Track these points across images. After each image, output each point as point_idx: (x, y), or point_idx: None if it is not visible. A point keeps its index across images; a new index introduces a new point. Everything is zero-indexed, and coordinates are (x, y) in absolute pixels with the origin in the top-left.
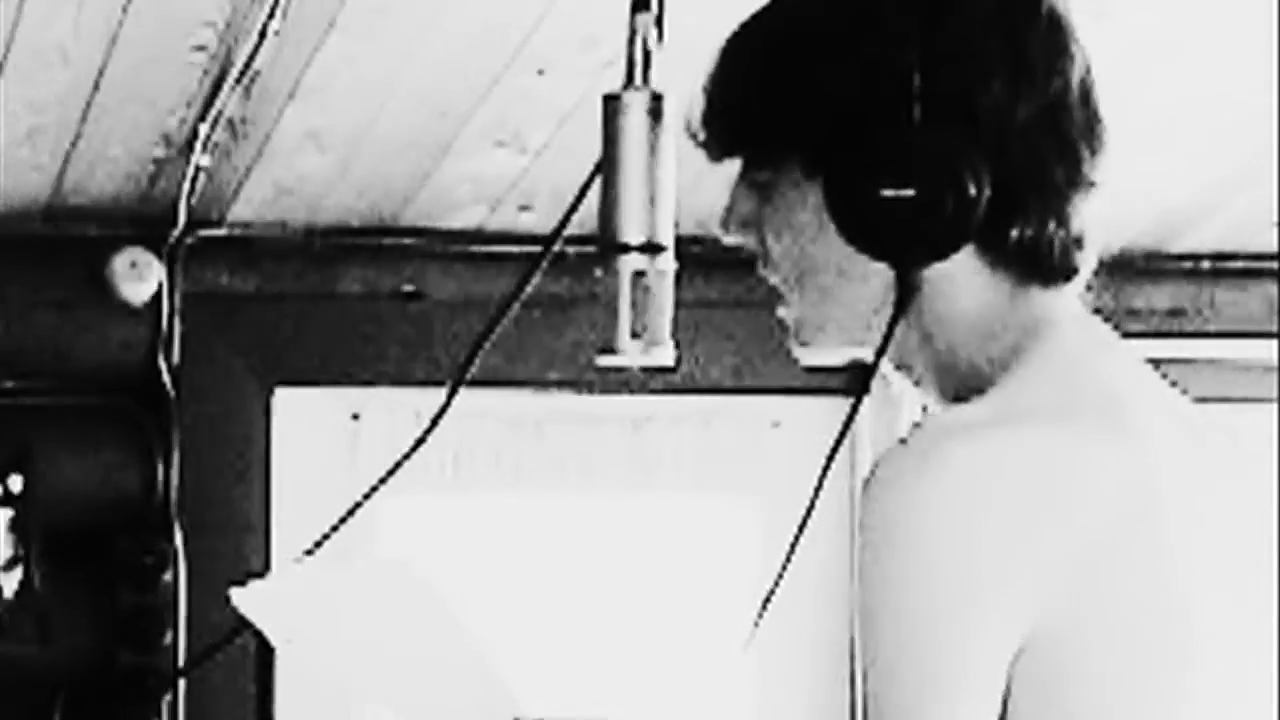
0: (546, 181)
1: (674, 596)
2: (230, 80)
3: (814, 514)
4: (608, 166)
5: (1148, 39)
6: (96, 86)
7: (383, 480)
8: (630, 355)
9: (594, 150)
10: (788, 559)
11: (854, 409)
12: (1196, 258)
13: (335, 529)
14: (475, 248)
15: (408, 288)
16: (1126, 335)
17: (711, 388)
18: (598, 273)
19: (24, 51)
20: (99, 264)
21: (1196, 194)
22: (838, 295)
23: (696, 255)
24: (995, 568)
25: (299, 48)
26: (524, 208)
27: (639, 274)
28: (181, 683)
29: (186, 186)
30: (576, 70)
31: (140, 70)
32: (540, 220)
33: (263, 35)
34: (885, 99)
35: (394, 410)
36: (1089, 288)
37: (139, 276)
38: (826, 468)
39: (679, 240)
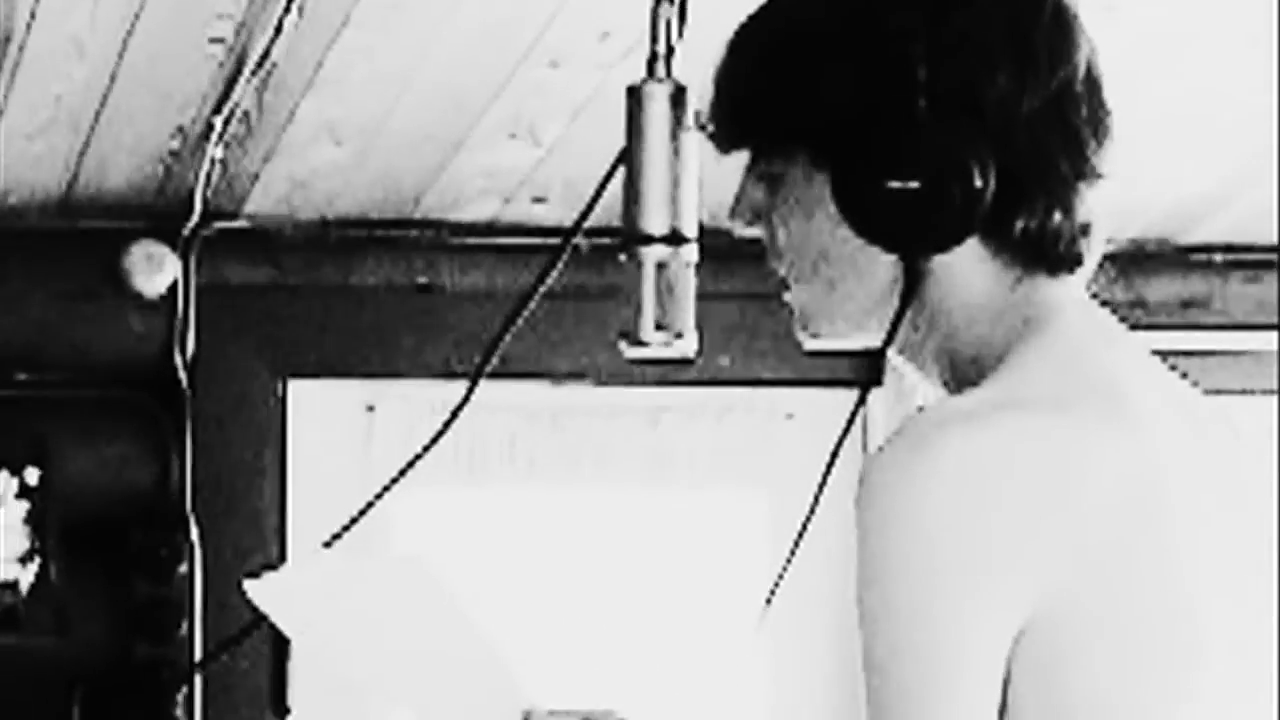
0: (560, 174)
1: (688, 589)
2: (246, 73)
3: (824, 504)
4: (630, 157)
5: (1157, 31)
6: (112, 79)
7: (399, 476)
8: (653, 346)
9: (608, 143)
10: (795, 546)
11: (861, 399)
12: (1208, 250)
13: (351, 524)
14: (490, 240)
15: (422, 280)
16: (1136, 327)
17: (725, 380)
18: (621, 263)
19: (41, 45)
20: (114, 256)
21: (1207, 186)
22: (845, 284)
23: (708, 248)
24: (992, 554)
25: (315, 41)
26: (538, 200)
27: (662, 265)
28: (197, 674)
29: (202, 179)
30: (591, 63)
31: (156, 63)
32: (554, 213)
33: (279, 28)
34: (892, 91)
35: (408, 402)
36: (1099, 279)
37: (154, 269)
38: (833, 459)
39: None
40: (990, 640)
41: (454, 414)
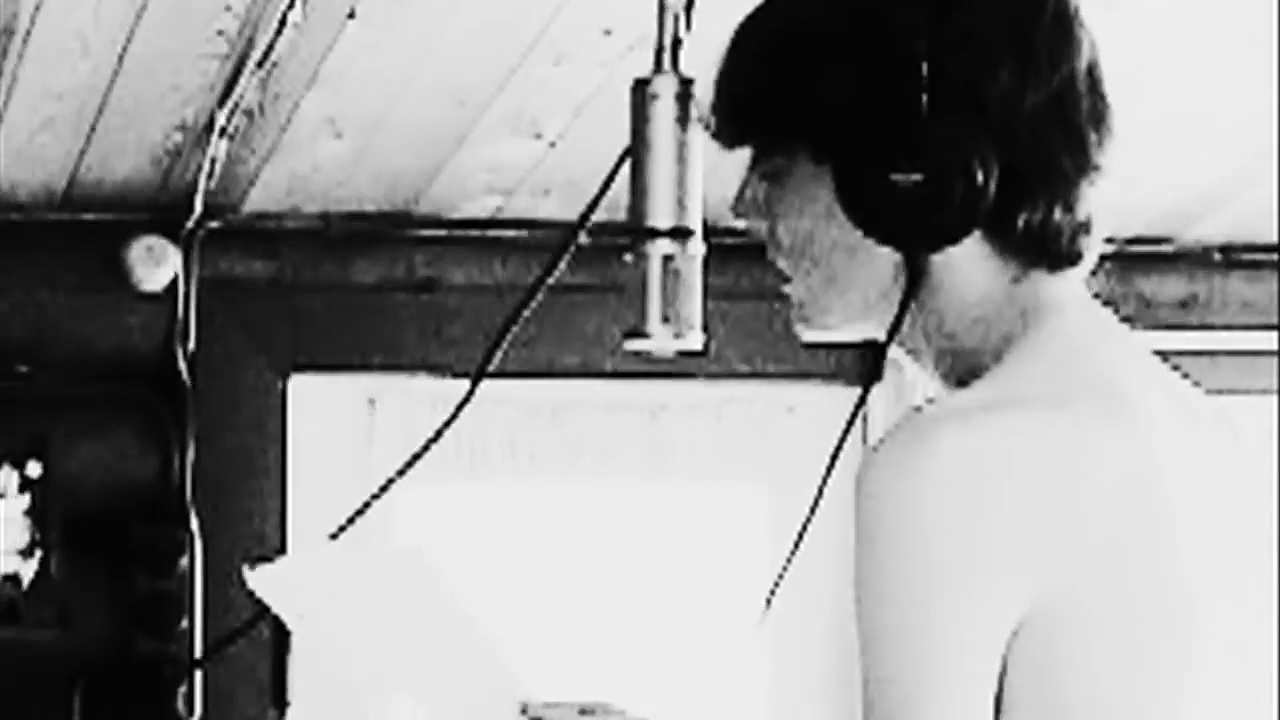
0: (563, 170)
1: (689, 583)
2: (249, 68)
3: (825, 500)
4: (637, 152)
5: (1158, 28)
6: (115, 74)
7: (400, 473)
8: (660, 340)
9: (611, 140)
10: (797, 544)
11: (863, 395)
12: (1207, 248)
13: (354, 519)
14: (491, 235)
15: (424, 275)
16: (1136, 325)
17: (726, 375)
18: (626, 258)
19: (44, 39)
20: (116, 251)
21: (1207, 184)
22: (846, 279)
23: (710, 243)
24: (989, 551)
25: (318, 36)
26: (540, 196)
27: (668, 259)
28: (198, 669)
29: (204, 174)
30: (593, 60)
31: (159, 58)
32: (556, 209)
33: (282, 23)
34: (895, 87)
35: (409, 397)
36: (1095, 274)
37: (155, 263)
38: (835, 455)
39: None
40: (987, 637)
41: (455, 412)
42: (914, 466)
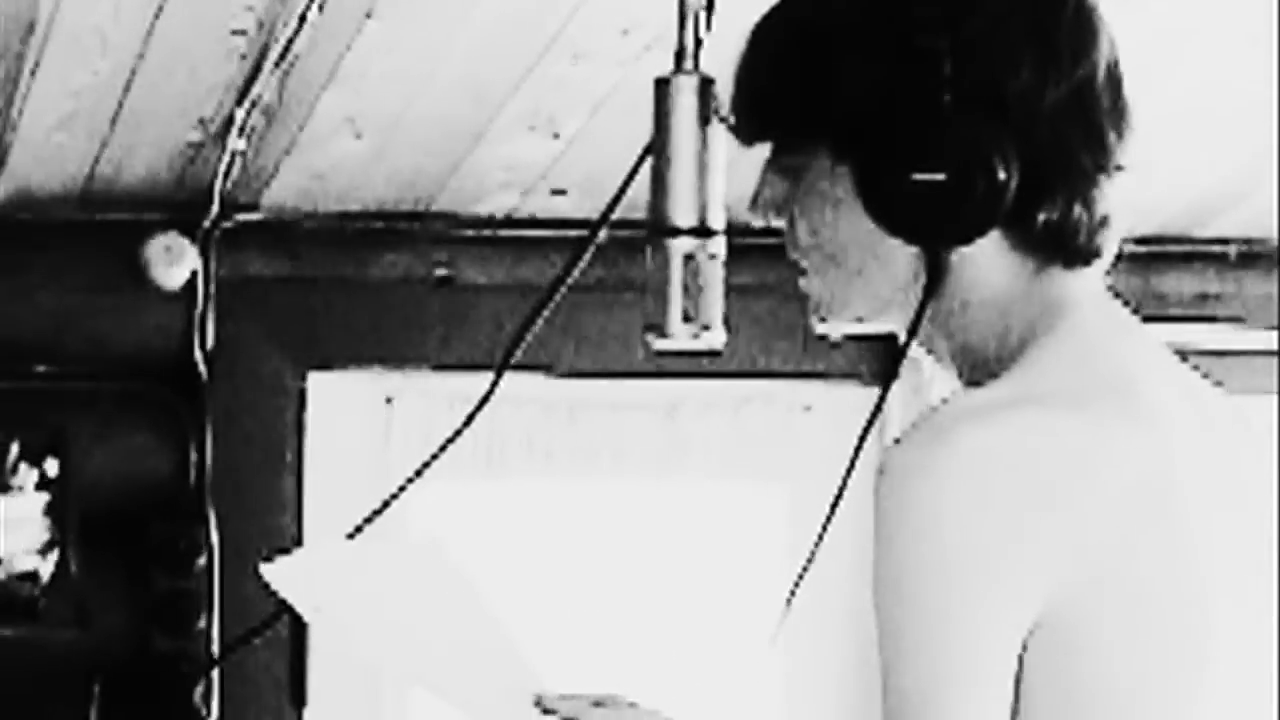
0: (580, 168)
1: (704, 582)
2: (268, 66)
3: (844, 499)
4: (658, 150)
5: (1175, 25)
6: (134, 72)
7: (419, 472)
8: (680, 338)
9: (628, 137)
10: (817, 544)
11: (884, 394)
12: (1224, 243)
13: (373, 517)
14: (509, 233)
15: (441, 273)
16: (1151, 320)
17: (742, 372)
18: (647, 255)
19: (63, 37)
20: (134, 249)
21: (1224, 180)
22: (865, 276)
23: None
24: (1007, 549)
25: (336, 34)
26: (557, 193)
27: (689, 257)
28: (216, 667)
29: (222, 171)
30: (611, 58)
31: (178, 55)
32: (573, 207)
33: (301, 22)
34: (915, 84)
35: (427, 394)
36: (1111, 272)
37: (174, 261)
38: (855, 456)
39: None
40: (1005, 635)
41: (472, 414)
42: (933, 465)
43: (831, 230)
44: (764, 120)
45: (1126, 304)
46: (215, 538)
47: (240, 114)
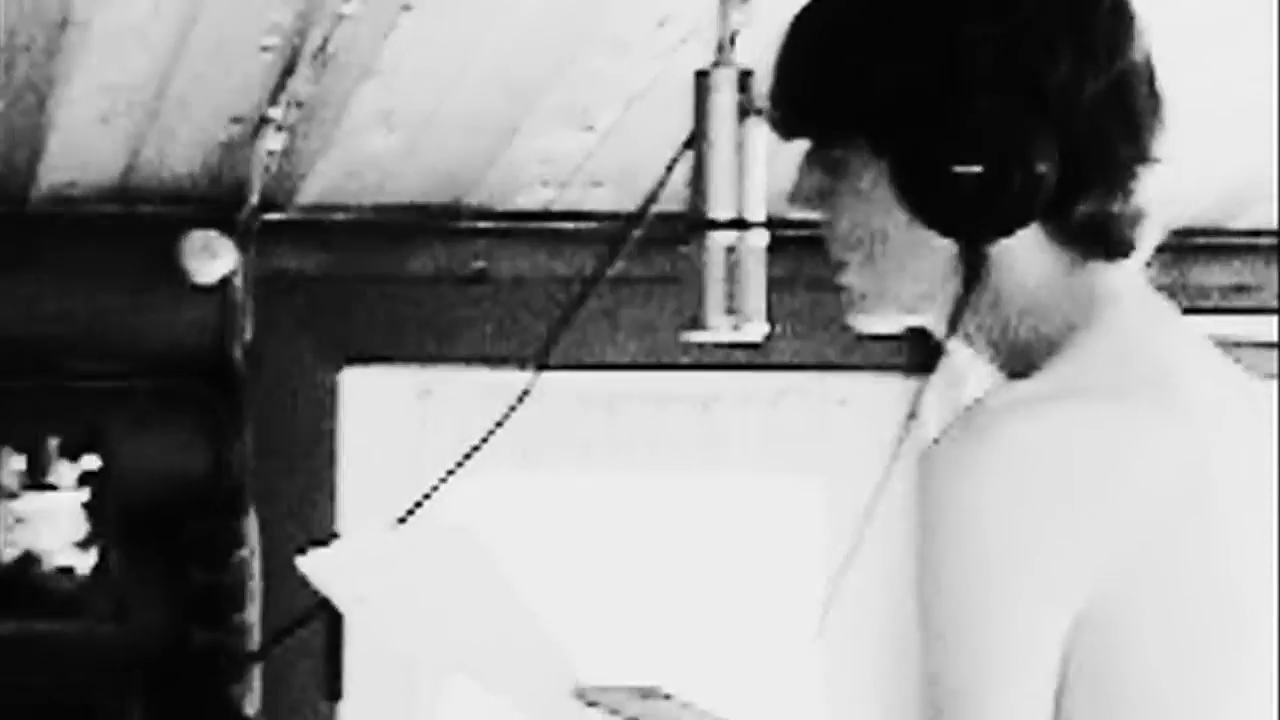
0: (615, 161)
1: (739, 575)
2: (304, 62)
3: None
4: (697, 143)
5: (1208, 17)
6: (171, 68)
7: (457, 466)
8: (721, 330)
9: (663, 130)
10: (857, 543)
11: (922, 389)
12: (1258, 234)
13: (410, 513)
14: (544, 226)
15: (476, 267)
16: (1186, 312)
17: (779, 366)
18: (687, 248)
19: (103, 34)
20: (171, 244)
21: (1258, 171)
22: (903, 269)
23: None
24: (1049, 543)
25: (372, 29)
26: (592, 186)
27: (729, 250)
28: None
29: (258, 167)
30: (647, 51)
31: (215, 52)
32: (609, 200)
33: (337, 17)
34: (954, 77)
35: (462, 389)
36: (1150, 264)
37: (210, 257)
38: (897, 450)
39: None
40: (1046, 628)
41: (515, 405)
42: (975, 459)
43: (870, 224)
44: (802, 114)
45: (1163, 296)
46: (252, 532)
47: (276, 110)
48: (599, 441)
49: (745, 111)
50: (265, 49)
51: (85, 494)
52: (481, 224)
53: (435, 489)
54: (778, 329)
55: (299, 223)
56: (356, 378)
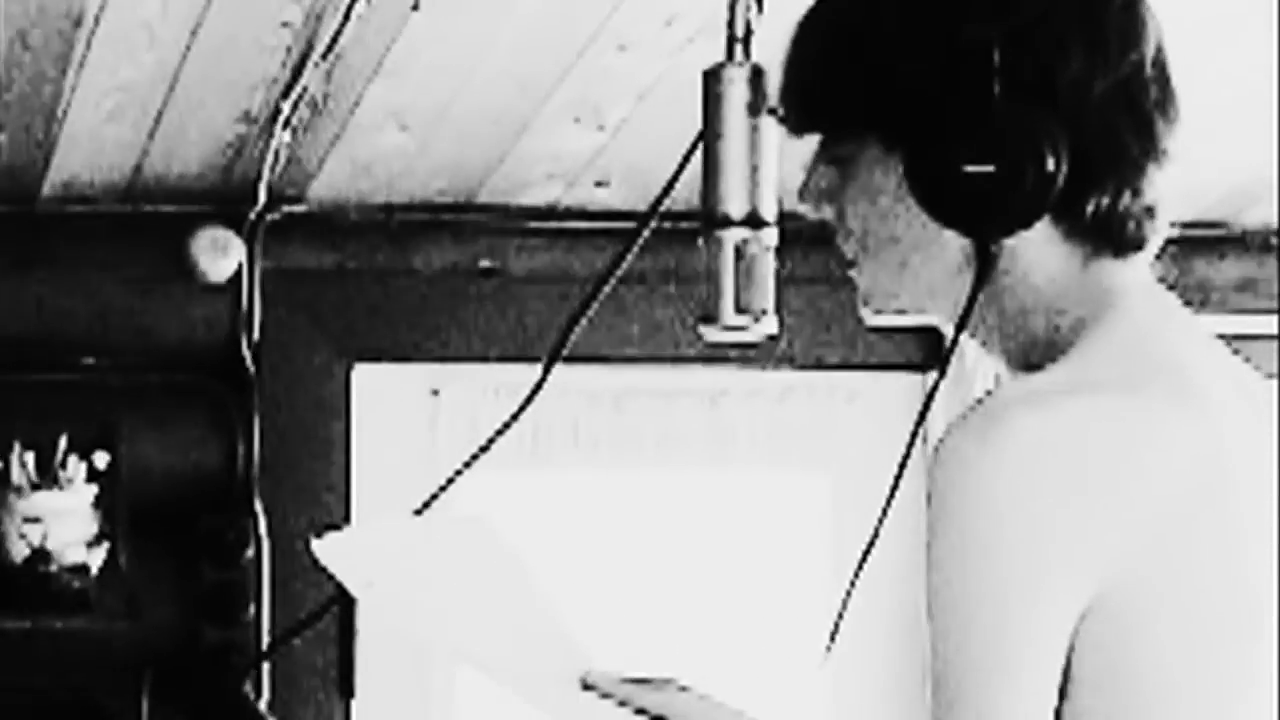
0: (624, 158)
1: (747, 570)
2: (314, 59)
3: (881, 488)
4: (709, 140)
5: (1217, 13)
6: (181, 65)
7: (467, 464)
8: (734, 328)
9: (673, 128)
10: (871, 543)
11: (935, 385)
12: (1266, 231)
13: (419, 512)
14: (553, 224)
15: (486, 264)
16: (1192, 307)
17: (787, 362)
18: (700, 247)
19: (111, 31)
20: (181, 241)
21: (1265, 167)
22: (914, 265)
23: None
24: (1061, 534)
25: (382, 26)
26: (601, 184)
27: (741, 247)
28: (265, 660)
29: (268, 164)
30: (656, 48)
31: (225, 48)
32: (618, 197)
33: (347, 15)
34: (965, 74)
35: (473, 385)
36: (1158, 258)
37: (220, 254)
38: (910, 447)
39: None
40: (1056, 618)
41: (525, 402)
42: (988, 451)
43: (880, 220)
44: (813, 111)
45: (1170, 290)
46: (264, 529)
47: (286, 107)
48: (607, 437)
49: (757, 109)
50: (276, 46)
51: (96, 491)
52: (492, 221)
53: (449, 483)
54: (785, 325)
55: (310, 220)
56: (367, 375)
